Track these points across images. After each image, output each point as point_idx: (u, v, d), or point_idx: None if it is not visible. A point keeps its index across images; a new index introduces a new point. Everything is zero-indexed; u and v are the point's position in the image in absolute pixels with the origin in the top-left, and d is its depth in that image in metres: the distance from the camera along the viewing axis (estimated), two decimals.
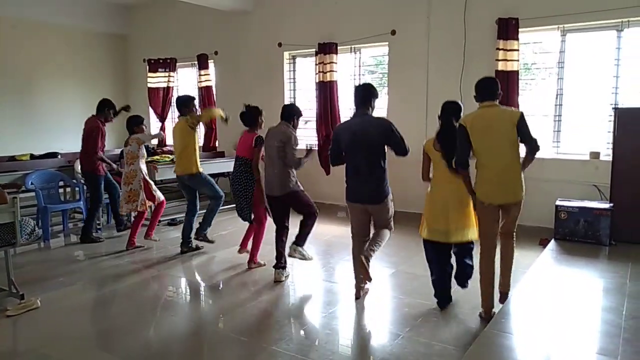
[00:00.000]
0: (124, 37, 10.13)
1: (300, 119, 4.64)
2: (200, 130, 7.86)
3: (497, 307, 3.58)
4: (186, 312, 4.04)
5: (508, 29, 5.84)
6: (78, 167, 6.53)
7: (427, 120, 6.50)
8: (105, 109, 5.82)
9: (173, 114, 9.74)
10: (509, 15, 5.85)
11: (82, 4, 9.09)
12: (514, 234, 3.61)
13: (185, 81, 9.61)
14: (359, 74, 7.47)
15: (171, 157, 6.91)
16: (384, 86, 7.24)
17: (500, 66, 5.89)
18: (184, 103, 5.35)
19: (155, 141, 8.47)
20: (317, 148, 4.60)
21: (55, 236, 6.14)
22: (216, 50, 8.71)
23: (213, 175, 6.00)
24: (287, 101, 8.06)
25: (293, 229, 4.61)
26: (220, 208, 5.43)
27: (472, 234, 3.69)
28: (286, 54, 8.02)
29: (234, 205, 4.86)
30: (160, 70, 9.34)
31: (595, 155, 5.67)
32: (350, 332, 3.63)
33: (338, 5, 7.29)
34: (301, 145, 4.57)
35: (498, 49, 5.89)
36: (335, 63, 7.27)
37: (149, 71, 9.45)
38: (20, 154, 7.10)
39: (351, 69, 7.48)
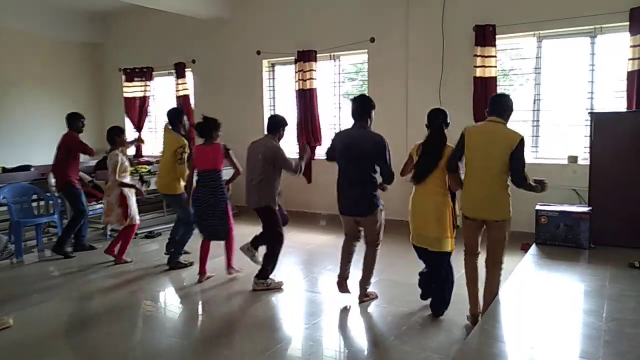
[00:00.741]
0: (98, 46, 9.97)
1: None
2: None
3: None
4: (164, 326, 3.94)
5: (485, 36, 5.90)
6: (52, 180, 6.37)
7: (407, 127, 6.51)
8: (74, 122, 5.76)
9: (150, 123, 9.63)
10: (485, 22, 5.91)
11: (55, 12, 8.91)
12: (501, 264, 3.58)
13: (163, 90, 9.49)
14: (339, 82, 7.47)
15: (148, 167, 6.79)
16: (364, 93, 7.24)
17: (479, 72, 5.94)
18: (171, 116, 5.22)
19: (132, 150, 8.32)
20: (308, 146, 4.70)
21: (29, 251, 5.95)
22: (194, 58, 8.63)
23: None
24: (266, 109, 8.01)
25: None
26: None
27: (447, 245, 3.67)
28: (265, 62, 7.98)
29: (199, 227, 4.69)
30: (136, 79, 9.21)
31: (573, 159, 5.74)
32: (334, 343, 3.59)
33: (317, 12, 7.29)
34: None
35: (476, 55, 5.95)
36: (315, 71, 7.25)
37: (125, 80, 9.32)
38: None
39: (331, 76, 7.48)
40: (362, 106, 3.89)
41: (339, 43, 7.07)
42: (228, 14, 8.10)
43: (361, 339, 3.59)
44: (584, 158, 5.67)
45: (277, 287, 4.47)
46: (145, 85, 9.18)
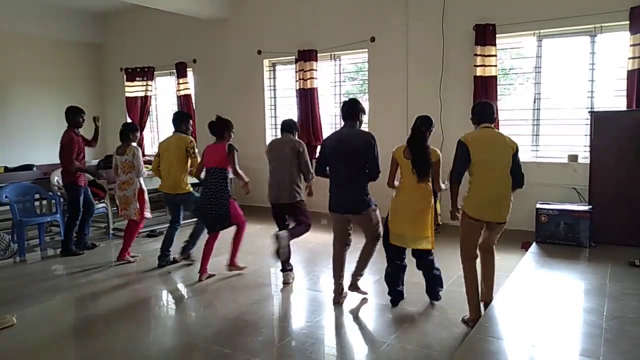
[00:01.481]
0: (99, 46, 9.99)
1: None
2: None
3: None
4: (167, 325, 3.96)
5: (485, 35, 5.91)
6: (54, 179, 6.40)
7: (407, 126, 6.49)
8: (74, 117, 5.72)
9: (151, 123, 9.65)
10: (486, 22, 5.93)
11: (56, 13, 8.94)
12: (494, 247, 3.72)
13: (164, 90, 9.51)
14: (339, 81, 7.49)
15: (149, 167, 6.80)
16: (365, 93, 7.27)
17: (479, 72, 5.96)
18: (179, 119, 5.22)
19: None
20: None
21: (31, 250, 5.97)
22: (195, 58, 8.65)
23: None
24: (267, 109, 8.07)
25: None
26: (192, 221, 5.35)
27: (428, 243, 3.83)
28: (266, 62, 8.00)
29: (203, 218, 4.75)
30: (137, 79, 9.23)
31: (573, 158, 5.76)
32: (335, 340, 3.60)
33: (317, 12, 7.31)
34: None
35: (476, 54, 5.96)
36: (316, 70, 7.27)
37: (127, 80, 9.34)
38: None
39: (331, 75, 7.49)
40: (352, 108, 3.99)
41: (339, 42, 7.09)
42: (229, 14, 8.12)
43: (362, 337, 3.61)
44: (584, 157, 5.69)
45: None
46: (147, 85, 9.20)
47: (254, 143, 7.50)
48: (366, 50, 6.98)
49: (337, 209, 3.98)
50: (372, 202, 3.96)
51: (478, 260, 3.67)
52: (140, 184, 5.35)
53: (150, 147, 9.59)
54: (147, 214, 5.48)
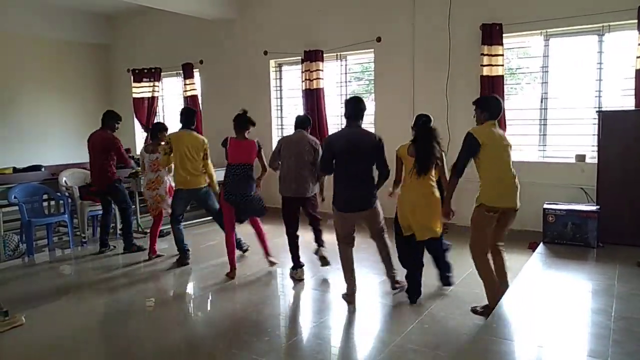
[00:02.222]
0: (106, 47, 10.05)
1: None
2: None
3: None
4: (173, 324, 3.97)
5: (492, 35, 5.89)
6: (62, 179, 6.44)
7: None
8: (110, 120, 5.79)
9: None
10: (492, 21, 5.91)
11: (63, 14, 9.01)
12: (503, 249, 3.86)
13: (171, 91, 9.55)
14: (345, 81, 7.49)
15: None
16: (371, 93, 7.27)
17: (485, 71, 5.94)
18: (188, 115, 5.33)
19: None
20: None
21: (39, 250, 6.02)
22: (201, 59, 8.68)
23: None
24: (273, 109, 8.09)
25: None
26: (204, 219, 5.44)
27: (436, 231, 4.00)
28: (272, 62, 8.02)
29: (239, 211, 4.83)
30: (144, 80, 9.28)
31: (580, 158, 5.72)
32: (341, 341, 3.60)
33: (323, 12, 7.31)
34: None
35: (483, 54, 5.94)
36: (322, 70, 7.27)
37: (134, 81, 9.38)
38: (2, 167, 6.97)
39: (337, 76, 7.49)
40: (357, 107, 4.03)
41: (345, 43, 7.09)
42: (235, 15, 8.14)
43: (369, 338, 3.60)
44: (591, 157, 5.65)
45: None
46: (154, 86, 9.24)
47: (262, 144, 7.51)
48: (372, 50, 6.98)
49: (350, 207, 4.02)
50: (377, 196, 4.10)
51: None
52: (169, 180, 5.54)
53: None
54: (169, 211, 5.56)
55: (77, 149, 9.31)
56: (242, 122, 4.76)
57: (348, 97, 7.37)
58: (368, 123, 7.06)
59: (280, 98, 8.18)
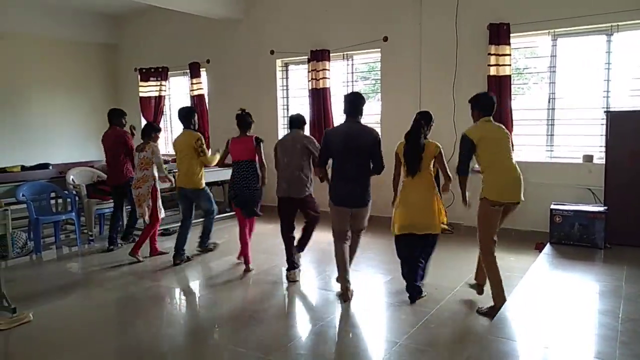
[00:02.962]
0: (114, 47, 10.10)
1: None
2: None
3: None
4: (181, 323, 3.99)
5: (499, 34, 5.86)
6: (70, 177, 6.48)
7: None
8: (117, 118, 5.93)
9: (165, 124, 9.72)
10: (500, 21, 5.88)
11: (71, 14, 9.06)
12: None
13: (178, 90, 9.58)
14: (352, 81, 7.48)
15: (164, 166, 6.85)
16: (377, 92, 7.26)
17: (493, 71, 5.92)
18: (186, 116, 5.32)
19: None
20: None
21: (47, 248, 6.07)
22: (208, 58, 8.70)
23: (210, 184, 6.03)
24: (280, 108, 8.08)
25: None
26: (216, 217, 5.46)
27: (435, 228, 4.00)
28: (278, 62, 8.02)
29: (242, 208, 4.91)
30: (151, 79, 9.31)
31: (588, 158, 5.69)
32: (347, 341, 3.60)
33: (329, 12, 7.31)
34: None
35: (490, 54, 5.92)
36: (328, 70, 7.27)
37: (141, 80, 9.42)
38: (10, 166, 7.02)
39: (344, 75, 7.49)
40: (356, 102, 4.06)
41: (352, 42, 7.08)
42: (242, 14, 8.15)
43: (374, 338, 3.60)
44: (599, 157, 5.61)
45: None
46: (161, 85, 9.27)
47: (266, 142, 7.48)
48: (379, 50, 6.97)
49: (344, 202, 4.07)
50: (370, 195, 4.12)
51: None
52: (154, 182, 5.41)
53: (164, 147, 9.66)
54: (162, 213, 5.53)
55: (85, 148, 9.41)
56: (239, 121, 4.95)
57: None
58: (374, 123, 7.05)
59: (287, 97, 8.18)
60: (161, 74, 9.22)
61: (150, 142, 5.45)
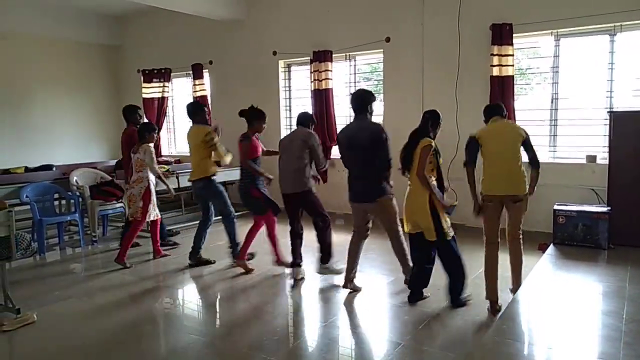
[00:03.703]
0: (117, 48, 10.13)
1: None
2: None
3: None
4: (185, 325, 3.99)
5: (502, 35, 5.86)
6: (73, 179, 6.50)
7: None
8: (131, 114, 5.94)
9: (168, 124, 9.75)
10: (502, 21, 5.88)
11: (74, 15, 9.09)
12: (520, 239, 3.91)
13: (180, 91, 9.60)
14: (354, 81, 7.48)
15: (167, 167, 6.88)
16: (379, 93, 7.26)
17: (495, 71, 5.91)
18: (195, 111, 5.33)
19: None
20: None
21: (51, 249, 6.08)
22: (211, 59, 8.72)
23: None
24: (282, 109, 8.10)
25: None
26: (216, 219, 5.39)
27: (430, 234, 3.82)
28: (281, 63, 8.03)
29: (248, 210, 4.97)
30: (154, 80, 9.32)
31: (591, 159, 5.68)
32: (350, 341, 3.61)
33: (332, 13, 7.31)
34: None
35: (493, 54, 5.91)
36: (330, 71, 7.28)
37: (144, 81, 9.44)
38: (14, 167, 7.06)
39: (346, 76, 7.50)
40: (361, 99, 4.10)
41: (354, 43, 7.09)
42: (244, 16, 8.17)
43: (378, 338, 3.60)
44: (602, 157, 5.60)
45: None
46: (164, 86, 9.29)
47: (269, 143, 7.49)
48: (381, 50, 6.97)
49: (354, 198, 4.17)
50: (387, 191, 4.06)
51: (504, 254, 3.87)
52: (148, 183, 5.34)
53: (167, 148, 9.69)
54: (152, 215, 5.42)
55: (88, 149, 9.45)
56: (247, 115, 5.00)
57: None
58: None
59: (289, 98, 8.19)
60: (164, 75, 9.24)
61: (145, 143, 5.40)
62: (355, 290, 4.32)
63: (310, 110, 7.49)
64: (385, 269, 4.87)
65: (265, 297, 4.37)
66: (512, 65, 5.89)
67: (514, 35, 5.86)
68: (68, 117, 9.33)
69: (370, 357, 3.35)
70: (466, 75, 6.25)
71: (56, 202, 6.52)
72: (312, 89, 7.41)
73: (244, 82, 8.36)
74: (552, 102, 5.99)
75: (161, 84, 9.29)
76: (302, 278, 4.70)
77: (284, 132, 8.11)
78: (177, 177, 6.55)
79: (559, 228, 5.15)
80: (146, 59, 9.56)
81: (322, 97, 7.31)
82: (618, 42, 5.53)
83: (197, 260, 5.24)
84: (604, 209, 5.05)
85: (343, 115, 7.50)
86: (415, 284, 4.04)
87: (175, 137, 9.73)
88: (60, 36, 9.10)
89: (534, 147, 3.88)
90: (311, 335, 3.67)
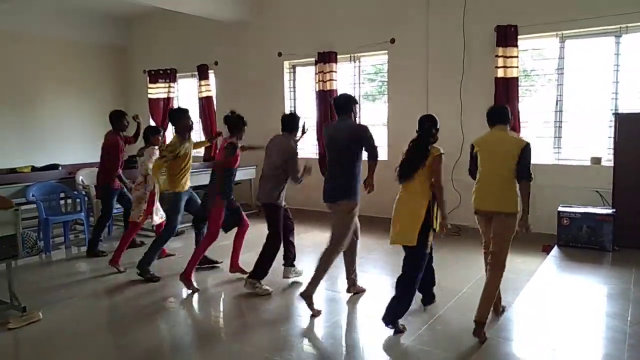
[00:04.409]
0: (123, 49, 10.19)
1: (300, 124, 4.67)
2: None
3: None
4: (188, 323, 4.02)
5: (507, 36, 5.86)
6: (79, 178, 6.54)
7: None
8: (118, 120, 5.67)
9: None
10: (507, 23, 5.88)
11: (81, 16, 9.16)
12: (501, 271, 3.41)
13: (186, 92, 9.64)
14: (359, 83, 7.50)
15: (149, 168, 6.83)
16: (384, 94, 7.27)
17: (500, 73, 5.91)
18: (171, 119, 4.88)
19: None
20: (311, 166, 4.52)
21: (56, 248, 6.12)
22: (216, 60, 8.75)
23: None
24: (287, 110, 8.08)
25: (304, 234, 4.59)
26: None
27: (412, 240, 3.47)
28: (286, 64, 8.06)
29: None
30: (160, 81, 9.38)
31: (596, 160, 5.67)
32: (353, 341, 3.61)
33: (337, 14, 7.33)
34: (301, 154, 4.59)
35: (497, 56, 5.91)
36: (335, 72, 7.30)
37: (149, 82, 9.49)
38: (21, 166, 7.11)
39: (351, 77, 7.51)
40: (344, 102, 4.08)
41: (359, 44, 7.10)
42: (249, 17, 8.20)
43: (380, 339, 3.60)
44: (607, 159, 5.59)
45: (265, 294, 4.34)
46: (169, 87, 9.34)
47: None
48: (386, 51, 6.98)
49: (323, 197, 4.07)
50: (352, 198, 3.88)
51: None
52: (154, 186, 5.28)
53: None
54: (157, 219, 5.41)
55: (94, 149, 9.42)
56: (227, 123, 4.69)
57: (361, 98, 7.43)
58: (381, 124, 7.07)
59: (294, 99, 8.21)
60: (170, 75, 9.28)
61: (149, 146, 5.40)
62: (359, 292, 4.32)
63: (314, 111, 7.51)
64: (389, 270, 4.86)
65: (267, 297, 4.37)
66: (517, 67, 5.89)
67: (518, 36, 5.86)
68: (74, 117, 9.39)
69: (372, 358, 3.35)
70: (471, 76, 6.25)
71: (62, 202, 6.55)
72: (317, 90, 7.43)
73: (249, 82, 8.40)
74: (556, 103, 5.98)
75: (167, 85, 9.34)
76: (291, 277, 4.68)
77: None
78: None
79: (563, 230, 5.14)
80: (152, 59, 9.61)
81: (326, 98, 7.32)
82: (624, 44, 5.52)
83: (203, 259, 5.26)
84: (609, 211, 5.04)
85: None
86: (422, 286, 3.92)
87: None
88: (67, 37, 9.17)
89: (531, 159, 3.44)
90: (315, 334, 3.68)
